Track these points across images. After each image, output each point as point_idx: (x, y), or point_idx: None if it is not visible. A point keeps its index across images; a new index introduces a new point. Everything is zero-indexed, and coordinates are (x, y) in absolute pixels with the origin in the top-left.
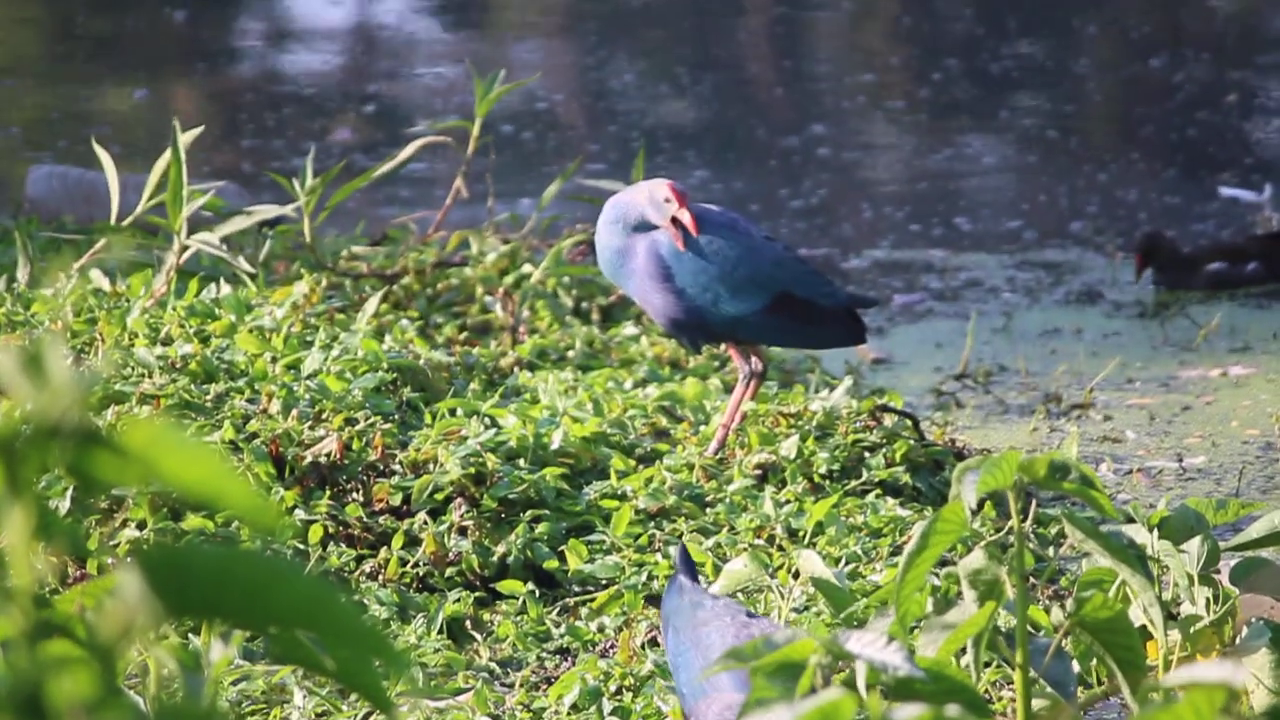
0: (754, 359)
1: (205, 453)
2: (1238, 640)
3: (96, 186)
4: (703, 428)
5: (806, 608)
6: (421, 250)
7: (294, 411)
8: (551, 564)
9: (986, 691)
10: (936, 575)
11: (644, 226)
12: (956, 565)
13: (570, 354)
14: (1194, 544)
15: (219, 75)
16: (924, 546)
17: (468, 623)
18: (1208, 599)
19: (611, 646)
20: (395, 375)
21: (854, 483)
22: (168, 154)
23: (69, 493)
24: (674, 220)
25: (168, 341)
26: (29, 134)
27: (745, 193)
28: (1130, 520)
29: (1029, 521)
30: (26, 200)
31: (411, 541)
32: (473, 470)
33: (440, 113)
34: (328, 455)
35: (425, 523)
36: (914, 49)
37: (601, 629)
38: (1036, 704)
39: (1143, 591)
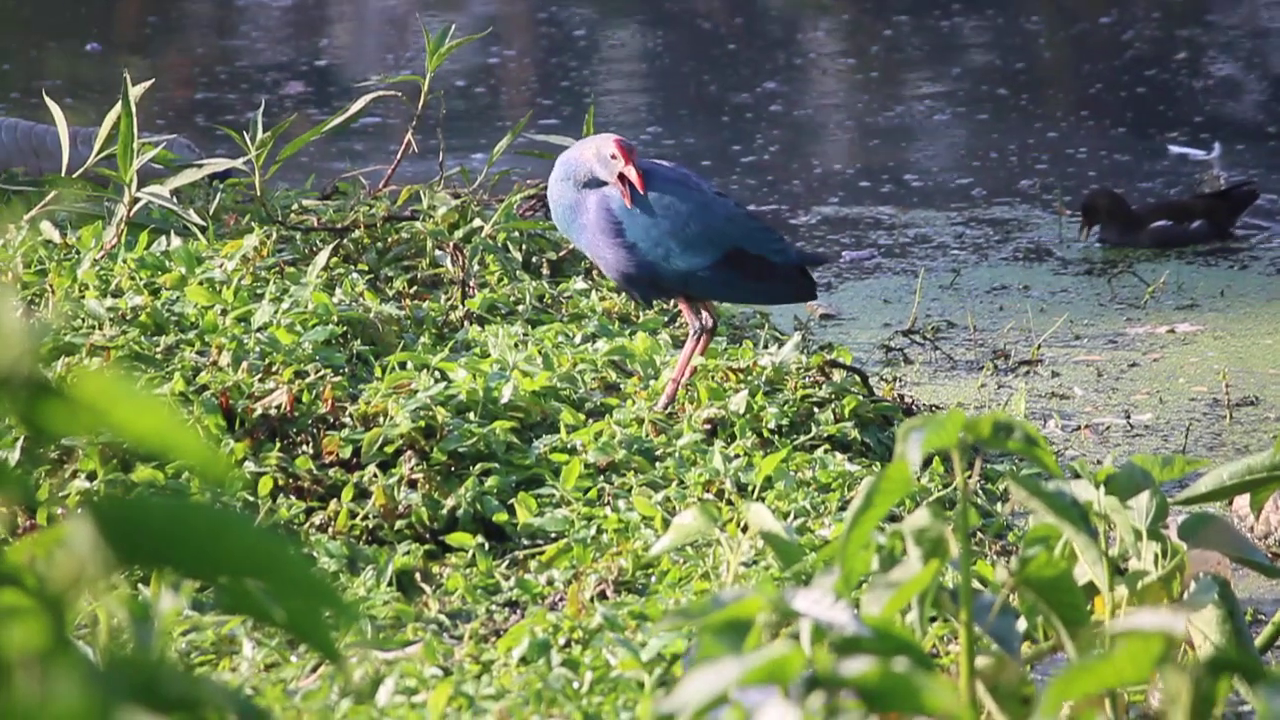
0: (704, 314)
1: (155, 404)
2: (1185, 595)
3: (45, 139)
4: (652, 382)
5: (755, 561)
6: (372, 204)
7: (244, 364)
8: (501, 517)
9: (933, 647)
10: (883, 531)
11: (594, 183)
12: (902, 523)
13: (520, 308)
14: (1142, 500)
15: (171, 28)
16: (869, 505)
17: (417, 575)
18: (1156, 554)
19: (560, 599)
20: (345, 328)
21: (803, 438)
22: (118, 106)
23: (19, 443)
24: (621, 177)
25: (118, 293)
26: None
27: (697, 148)
28: (1077, 476)
29: (976, 478)
30: None
31: (361, 494)
32: (422, 423)
33: (393, 67)
34: (278, 408)
35: (375, 475)
36: (865, 5)
37: (550, 582)
38: (983, 660)
39: (1085, 550)
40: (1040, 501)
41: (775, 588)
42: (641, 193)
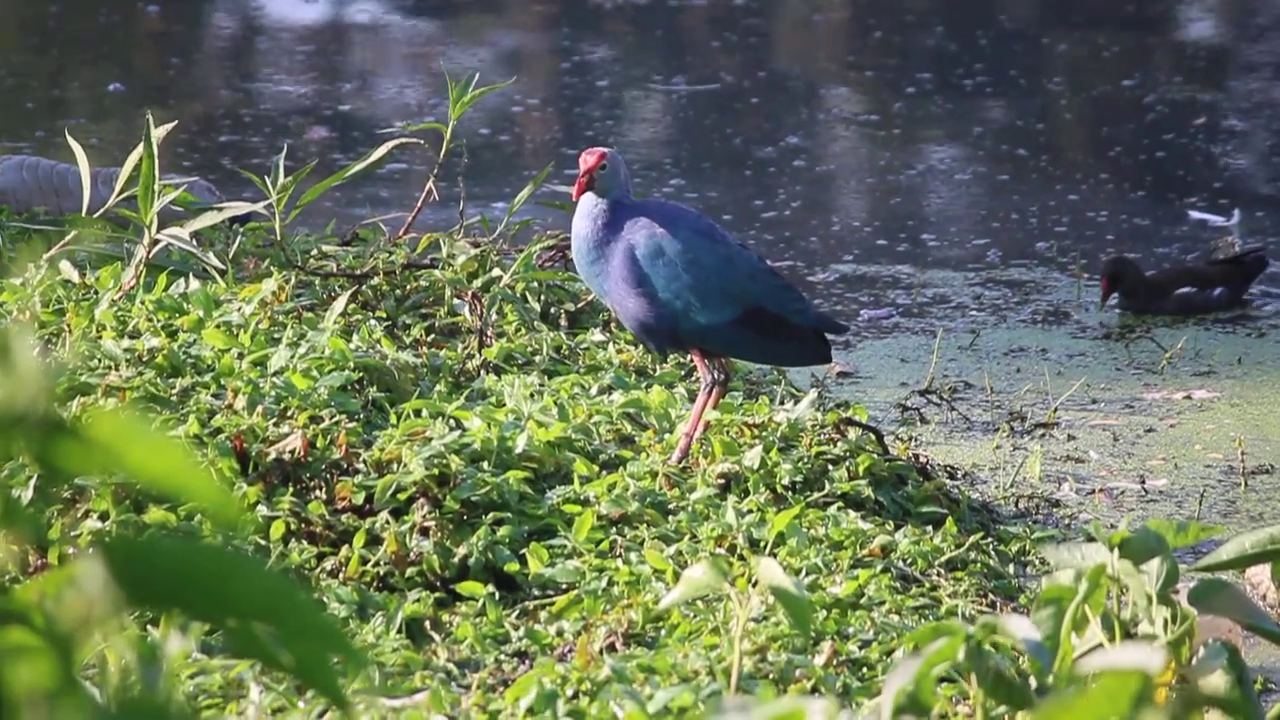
0: (717, 368)
1: (169, 446)
2: (1194, 661)
3: (66, 178)
4: (667, 435)
5: (765, 617)
6: (391, 251)
7: (259, 408)
8: (512, 567)
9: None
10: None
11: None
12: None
13: (537, 358)
14: (1153, 565)
15: (194, 70)
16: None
17: (427, 623)
18: (1166, 619)
19: (570, 651)
20: (361, 374)
21: (816, 495)
22: (140, 148)
23: (32, 482)
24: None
25: (135, 335)
26: (4, 124)
27: (719, 202)
28: (1091, 540)
29: (990, 540)
30: None
31: (373, 540)
32: (436, 471)
33: (417, 113)
34: (292, 452)
35: (387, 522)
36: (887, 62)
37: (560, 633)
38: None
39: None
40: None
41: (775, 691)
42: (574, 200)
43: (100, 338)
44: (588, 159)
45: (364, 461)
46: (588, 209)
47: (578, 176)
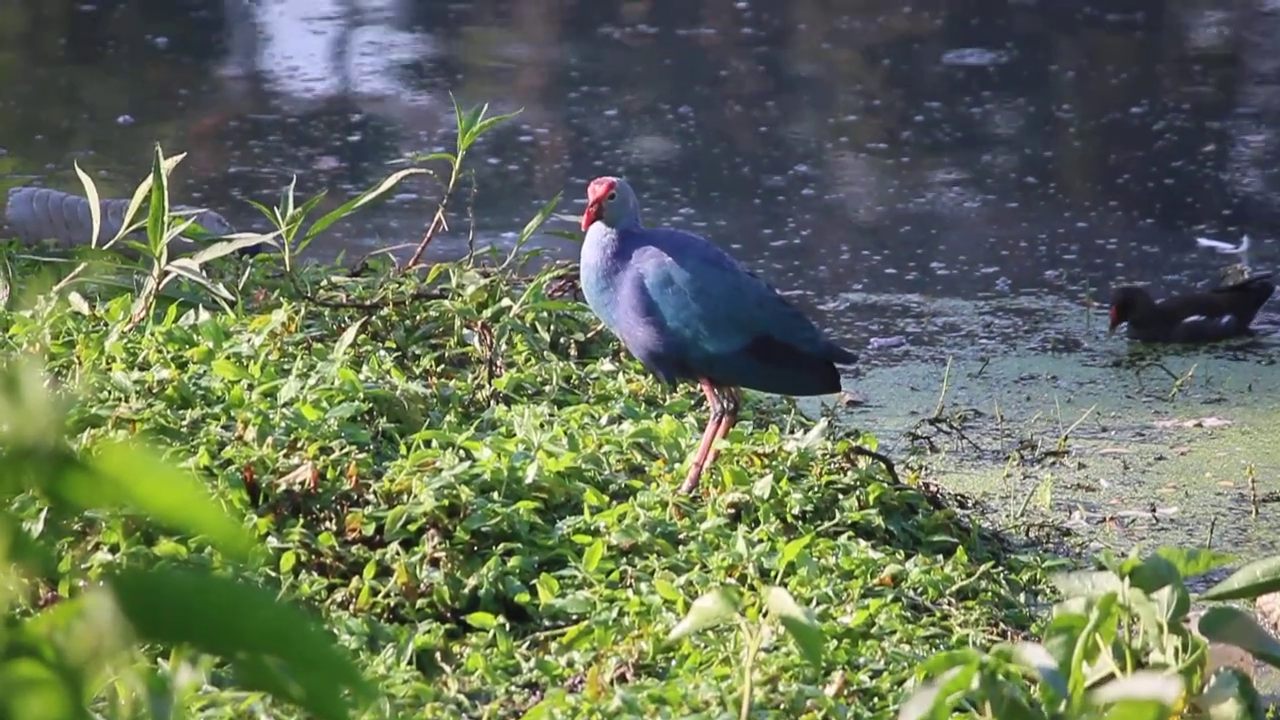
0: (727, 397)
1: (179, 478)
2: (1206, 689)
3: (76, 210)
4: (677, 465)
5: (776, 647)
6: (401, 281)
7: (269, 439)
8: (523, 597)
9: None
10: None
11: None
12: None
13: (547, 389)
14: (1164, 593)
15: (204, 101)
16: None
17: (437, 654)
18: (1176, 648)
19: (580, 681)
20: (371, 405)
21: (827, 524)
22: (150, 179)
23: (43, 514)
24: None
25: (145, 366)
26: (14, 156)
27: (728, 230)
28: (1102, 568)
29: (1001, 568)
30: (6, 222)
31: (383, 572)
32: (446, 502)
33: (427, 144)
34: (302, 483)
35: (397, 553)
36: (895, 90)
37: (571, 664)
38: None
39: None
40: None
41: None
42: (583, 229)
43: (110, 370)
44: (596, 188)
45: (374, 492)
46: (596, 238)
47: (587, 206)
